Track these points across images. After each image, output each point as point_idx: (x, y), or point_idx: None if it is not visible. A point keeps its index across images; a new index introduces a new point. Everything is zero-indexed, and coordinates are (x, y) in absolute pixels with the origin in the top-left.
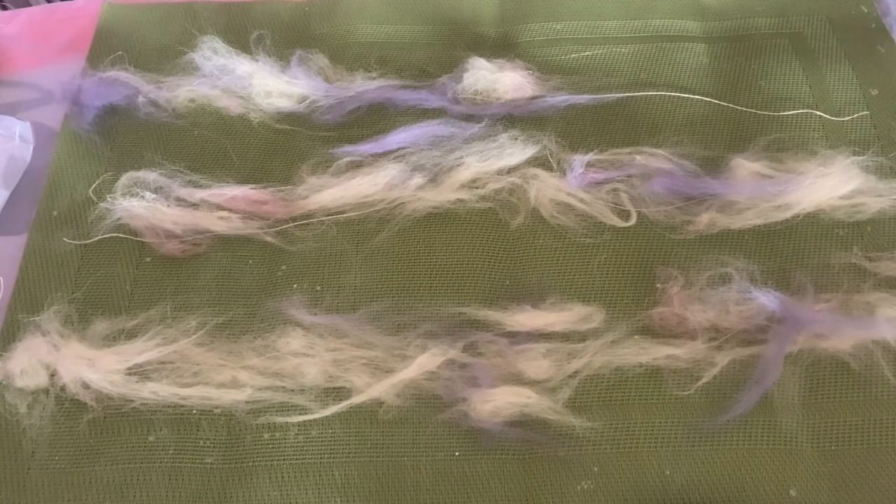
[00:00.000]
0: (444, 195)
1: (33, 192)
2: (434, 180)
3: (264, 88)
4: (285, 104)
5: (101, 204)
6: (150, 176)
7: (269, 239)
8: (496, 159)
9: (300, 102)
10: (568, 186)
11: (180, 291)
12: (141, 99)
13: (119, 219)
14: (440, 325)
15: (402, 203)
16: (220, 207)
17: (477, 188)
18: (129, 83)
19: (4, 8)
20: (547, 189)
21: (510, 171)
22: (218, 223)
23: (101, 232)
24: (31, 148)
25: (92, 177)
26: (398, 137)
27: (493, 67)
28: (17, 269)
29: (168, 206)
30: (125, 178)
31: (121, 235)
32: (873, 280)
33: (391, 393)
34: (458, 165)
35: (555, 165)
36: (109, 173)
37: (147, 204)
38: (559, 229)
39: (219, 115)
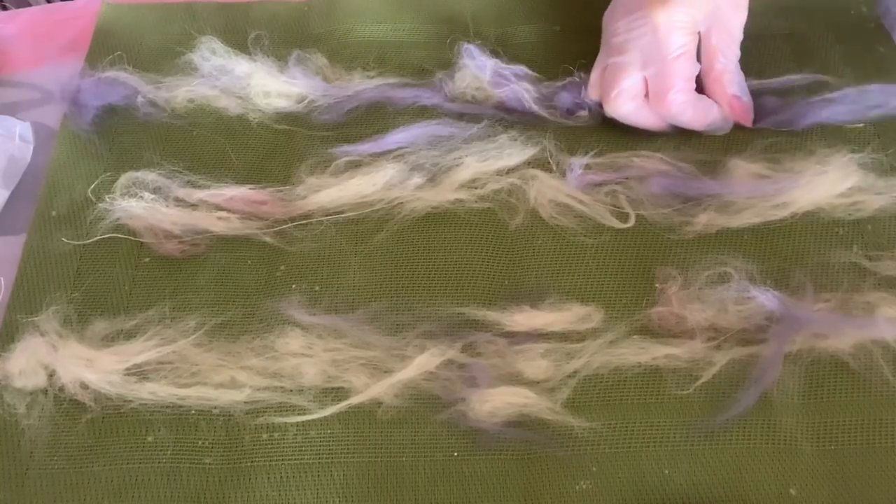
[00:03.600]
0: (443, 195)
1: (33, 192)
2: (433, 180)
3: (263, 89)
4: (284, 104)
5: (100, 204)
6: (148, 176)
7: (267, 239)
8: (495, 160)
9: (299, 102)
10: (567, 188)
11: (179, 292)
12: (140, 99)
13: (118, 219)
14: (439, 326)
15: (401, 203)
16: (218, 208)
17: (476, 188)
18: (128, 83)
19: (4, 8)
20: (546, 190)
21: (509, 171)
22: (217, 223)
23: (100, 232)
24: (31, 148)
25: (91, 177)
26: (397, 137)
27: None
28: (17, 268)
29: (167, 206)
30: (124, 179)
31: (119, 236)
32: (873, 279)
33: (390, 393)
34: (458, 165)
35: (554, 167)
36: (108, 174)
37: (146, 204)
38: (558, 230)
39: (218, 116)
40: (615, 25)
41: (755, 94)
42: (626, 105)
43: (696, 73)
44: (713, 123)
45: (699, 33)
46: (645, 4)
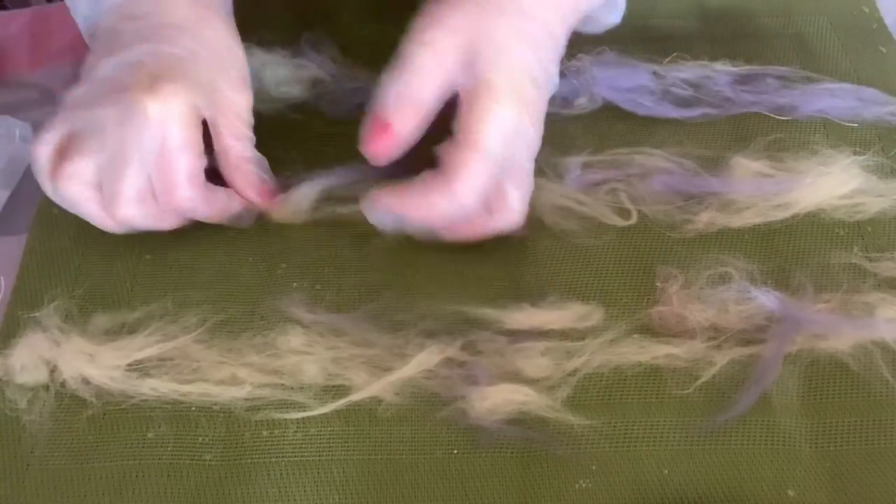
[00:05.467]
0: None
1: (33, 191)
2: None
3: (275, 77)
4: (296, 91)
5: None
6: None
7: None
8: None
9: (311, 88)
10: (566, 189)
11: (180, 289)
12: None
13: None
14: (439, 324)
15: None
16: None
17: None
18: None
19: (4, 8)
20: (546, 195)
21: None
22: None
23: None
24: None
25: None
26: None
27: None
28: (18, 268)
29: None
30: None
31: None
32: (873, 280)
33: (390, 391)
34: None
35: (549, 172)
36: None
37: None
38: (559, 230)
39: None
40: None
41: (756, 78)
42: (134, 211)
43: (205, 166)
44: (236, 215)
45: (204, 121)
46: (130, 88)
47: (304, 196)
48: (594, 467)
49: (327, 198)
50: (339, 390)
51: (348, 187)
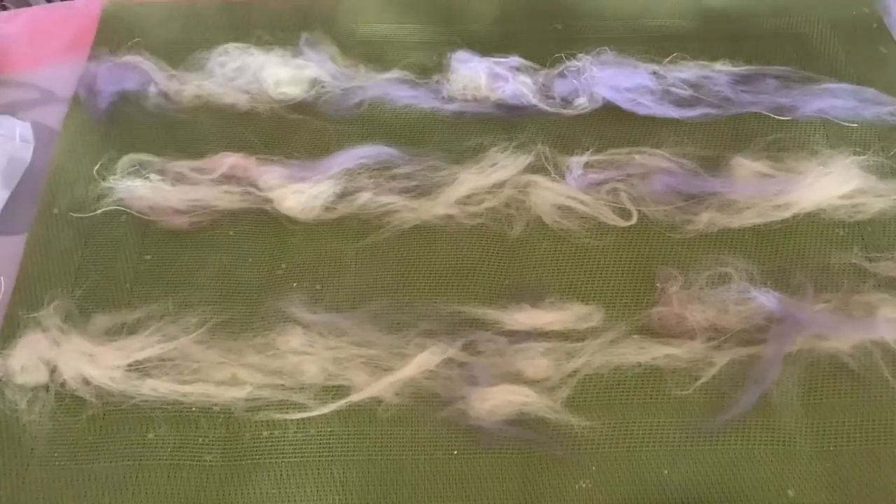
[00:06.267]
0: (441, 210)
1: (33, 191)
2: (428, 195)
3: (275, 78)
4: (295, 92)
5: (103, 184)
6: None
7: (268, 208)
8: (490, 174)
9: (310, 89)
10: (568, 189)
11: (180, 289)
12: (152, 88)
13: (121, 199)
14: (439, 324)
15: (397, 212)
16: (221, 180)
17: (474, 204)
18: (142, 68)
19: (4, 8)
20: (547, 194)
21: (506, 183)
22: (222, 197)
23: (106, 217)
24: (32, 148)
25: (93, 175)
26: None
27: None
28: (18, 268)
29: (171, 185)
30: (126, 159)
31: (123, 208)
32: (873, 280)
33: (390, 391)
34: (454, 182)
35: (552, 170)
36: (113, 171)
37: (151, 184)
38: (559, 230)
39: (226, 112)
40: None
41: (756, 78)
42: None
43: None
44: None
45: None
46: None
47: (318, 194)
48: (594, 468)
49: (338, 196)
50: (339, 390)
51: (354, 188)
